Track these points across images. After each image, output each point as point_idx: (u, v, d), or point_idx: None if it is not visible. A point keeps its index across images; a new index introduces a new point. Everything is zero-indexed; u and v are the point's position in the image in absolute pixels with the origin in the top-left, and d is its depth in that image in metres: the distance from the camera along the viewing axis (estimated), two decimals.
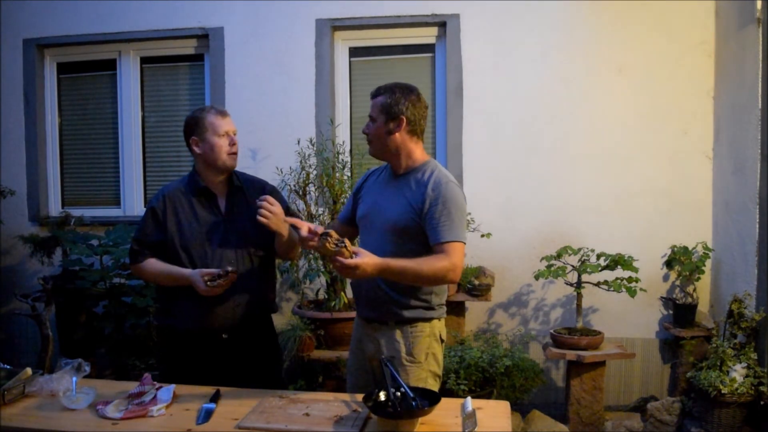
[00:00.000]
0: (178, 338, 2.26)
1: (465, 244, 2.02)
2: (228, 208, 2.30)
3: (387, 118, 2.07)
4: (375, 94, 2.11)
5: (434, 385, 2.11)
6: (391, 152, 2.11)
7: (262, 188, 2.38)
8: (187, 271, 2.16)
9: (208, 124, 2.24)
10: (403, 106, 2.07)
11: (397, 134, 2.08)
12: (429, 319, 2.11)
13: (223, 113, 2.27)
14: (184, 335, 2.25)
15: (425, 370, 2.10)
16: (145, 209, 2.35)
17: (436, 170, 2.09)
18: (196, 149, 2.27)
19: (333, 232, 1.80)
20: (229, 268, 2.08)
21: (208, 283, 2.06)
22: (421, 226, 2.02)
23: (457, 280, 2.09)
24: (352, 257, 1.81)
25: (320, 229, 1.96)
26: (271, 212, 2.13)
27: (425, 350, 2.10)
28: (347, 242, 1.81)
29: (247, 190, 2.34)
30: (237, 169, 2.36)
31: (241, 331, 2.26)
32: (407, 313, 2.08)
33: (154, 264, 2.26)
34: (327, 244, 1.79)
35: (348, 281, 3.58)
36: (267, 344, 2.41)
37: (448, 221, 1.98)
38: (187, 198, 2.28)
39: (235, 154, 2.28)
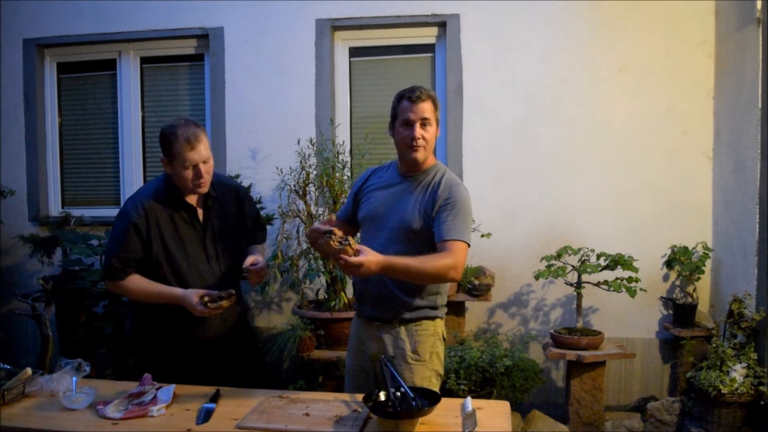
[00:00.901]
0: (162, 346, 2.24)
1: (469, 245, 2.04)
2: (206, 218, 2.25)
3: (437, 122, 2.13)
4: (423, 98, 2.07)
5: (436, 384, 2.13)
6: (429, 155, 2.14)
7: (236, 192, 2.36)
8: (179, 291, 2.09)
9: (176, 152, 2.10)
10: (439, 110, 2.16)
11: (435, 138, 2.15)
12: (433, 318, 2.14)
13: (191, 143, 2.08)
14: (168, 344, 2.22)
15: (429, 369, 2.12)
16: (119, 220, 2.18)
17: (446, 173, 2.14)
18: (167, 169, 2.18)
19: (337, 230, 1.79)
20: (232, 291, 2.06)
21: (209, 304, 2.02)
22: (430, 226, 2.05)
23: (458, 279, 2.11)
24: (356, 255, 1.81)
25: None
26: (260, 273, 2.18)
27: (429, 349, 2.12)
28: (351, 240, 1.80)
29: (222, 198, 2.30)
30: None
31: (225, 335, 2.27)
32: (413, 313, 2.10)
33: (138, 281, 2.16)
34: (331, 242, 1.77)
35: (349, 281, 3.59)
36: (248, 343, 2.43)
37: (455, 221, 2.01)
38: (166, 211, 2.19)
39: (203, 184, 2.15)
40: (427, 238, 2.05)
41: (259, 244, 2.45)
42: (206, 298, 2.03)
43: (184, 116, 2.25)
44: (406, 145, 2.08)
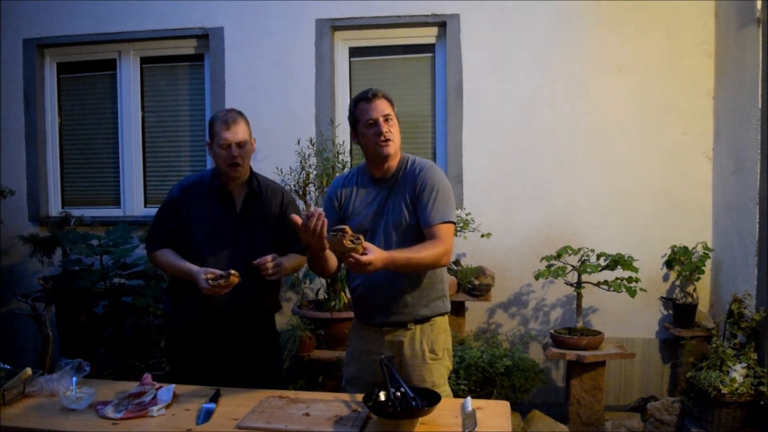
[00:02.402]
0: (186, 332, 2.33)
1: (455, 223, 2.08)
2: (243, 210, 2.33)
3: (396, 116, 2.14)
4: (376, 95, 2.08)
5: (446, 381, 2.16)
6: (398, 148, 2.14)
7: (281, 198, 2.40)
8: (194, 268, 2.20)
9: (215, 132, 2.26)
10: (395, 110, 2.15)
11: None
12: (443, 314, 2.17)
13: (228, 123, 2.25)
14: (191, 329, 2.31)
15: (444, 366, 2.15)
16: (166, 198, 2.39)
17: (415, 159, 2.16)
18: (210, 153, 2.34)
19: (348, 228, 1.77)
20: (232, 271, 2.09)
21: (210, 281, 2.09)
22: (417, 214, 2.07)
23: (449, 263, 2.15)
24: (365, 253, 1.81)
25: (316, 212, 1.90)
26: (276, 267, 2.18)
27: (443, 346, 2.15)
28: (362, 238, 1.79)
29: (264, 196, 2.36)
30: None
31: (246, 327, 2.32)
32: (427, 311, 2.12)
33: (167, 254, 2.32)
34: (344, 241, 1.75)
35: (347, 284, 3.58)
36: (268, 341, 2.47)
37: (436, 203, 2.04)
38: (206, 193, 2.32)
39: (236, 165, 2.26)
40: (419, 231, 2.07)
41: (299, 254, 2.38)
42: (210, 276, 2.09)
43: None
44: (375, 143, 2.07)
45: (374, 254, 1.82)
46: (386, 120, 2.07)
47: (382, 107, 2.07)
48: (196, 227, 2.29)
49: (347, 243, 1.75)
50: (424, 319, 2.12)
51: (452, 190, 2.13)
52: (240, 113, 2.32)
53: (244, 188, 2.35)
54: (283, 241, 2.36)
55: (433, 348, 2.12)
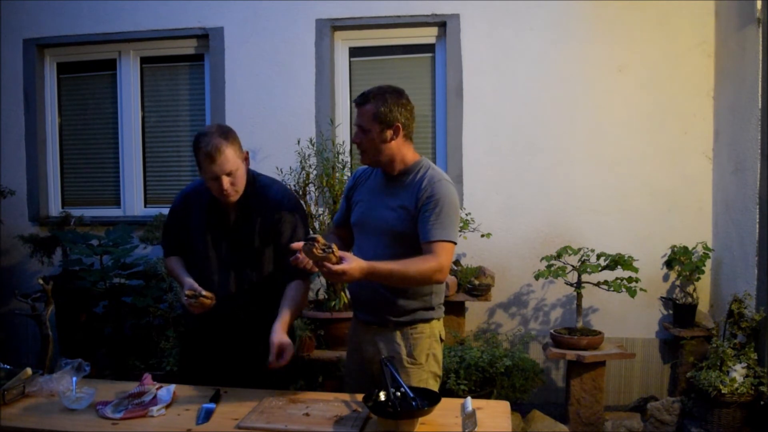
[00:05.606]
0: (196, 333, 2.31)
1: (456, 243, 1.99)
2: (237, 221, 2.20)
3: (382, 127, 2.00)
4: (362, 102, 2.03)
5: (434, 386, 2.10)
6: (386, 159, 2.05)
7: (273, 213, 2.18)
8: (186, 280, 2.16)
9: (199, 163, 2.09)
10: (397, 112, 2.00)
11: (393, 142, 2.02)
12: (429, 320, 2.10)
13: (212, 156, 2.01)
14: (201, 330, 2.28)
15: (426, 371, 2.09)
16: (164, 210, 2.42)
17: (430, 169, 2.06)
18: (200, 174, 2.16)
19: (320, 238, 1.77)
20: (203, 293, 2.02)
21: (188, 298, 2.03)
22: (414, 227, 2.00)
23: (444, 281, 2.06)
24: (340, 262, 1.79)
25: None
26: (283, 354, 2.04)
27: (426, 351, 2.09)
28: (334, 247, 1.78)
29: (258, 209, 2.18)
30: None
31: (250, 328, 2.25)
32: (407, 317, 2.07)
33: (173, 261, 2.31)
34: (314, 250, 1.75)
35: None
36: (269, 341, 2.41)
37: (439, 220, 1.95)
38: (203, 201, 2.22)
39: (227, 195, 2.09)
40: (414, 239, 1.99)
41: (301, 279, 2.16)
42: (188, 292, 2.03)
43: (220, 124, 2.17)
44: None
45: (350, 263, 1.79)
46: (362, 130, 2.02)
47: (360, 116, 2.02)
48: (193, 238, 2.24)
49: (317, 252, 1.76)
50: (405, 324, 2.08)
51: (458, 209, 2.05)
52: (224, 135, 2.06)
53: (240, 200, 2.18)
54: (279, 255, 2.18)
55: (411, 352, 2.06)
